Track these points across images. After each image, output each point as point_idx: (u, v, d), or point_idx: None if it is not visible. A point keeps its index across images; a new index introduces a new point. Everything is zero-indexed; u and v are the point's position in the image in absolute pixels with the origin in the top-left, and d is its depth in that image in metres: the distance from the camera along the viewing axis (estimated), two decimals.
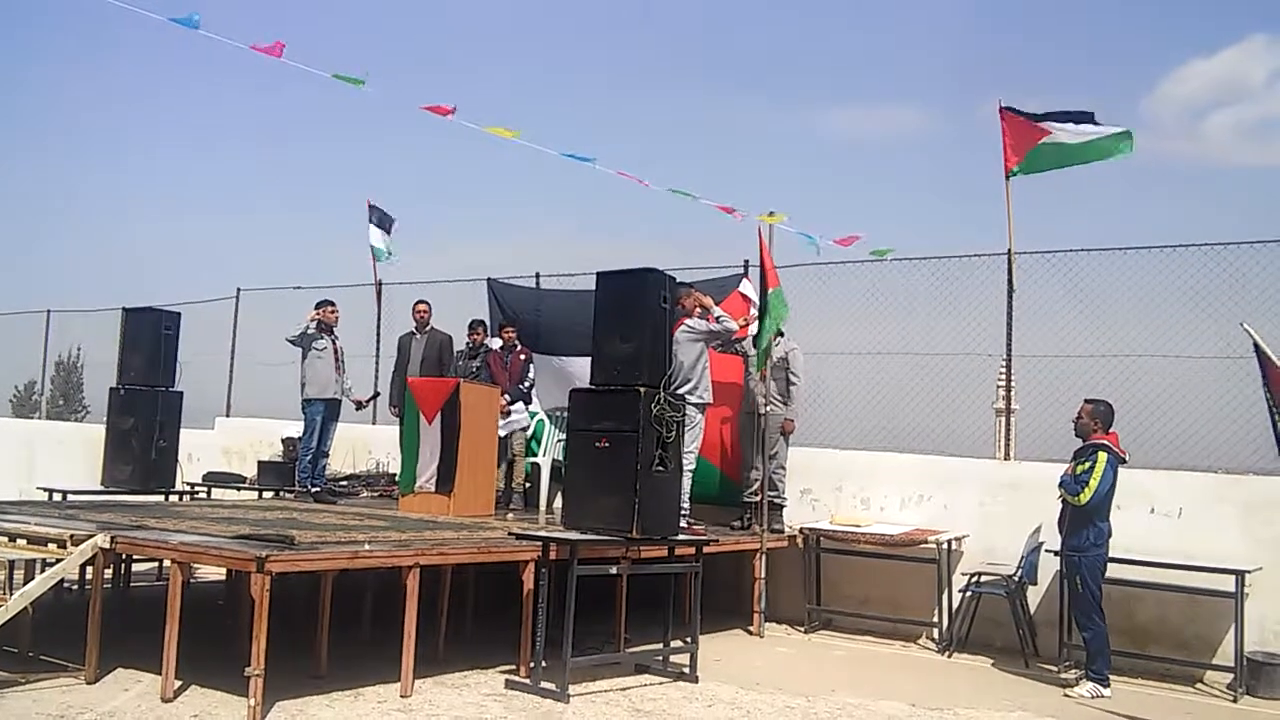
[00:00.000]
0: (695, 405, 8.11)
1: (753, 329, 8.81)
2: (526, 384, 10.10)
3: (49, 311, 18.33)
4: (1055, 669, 7.71)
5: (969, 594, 8.35)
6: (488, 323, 10.55)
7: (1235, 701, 7.18)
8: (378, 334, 13.39)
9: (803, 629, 9.02)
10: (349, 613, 7.29)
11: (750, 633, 8.68)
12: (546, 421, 10.52)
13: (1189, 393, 8.64)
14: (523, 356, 10.17)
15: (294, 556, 5.58)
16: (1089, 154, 9.09)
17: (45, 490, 9.60)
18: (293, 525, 6.95)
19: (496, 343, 10.24)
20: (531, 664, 6.37)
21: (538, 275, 11.93)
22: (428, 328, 10.54)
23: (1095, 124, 8.99)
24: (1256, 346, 5.88)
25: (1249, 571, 7.35)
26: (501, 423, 9.63)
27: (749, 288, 9.62)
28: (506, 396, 9.76)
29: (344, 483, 11.13)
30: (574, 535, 6.40)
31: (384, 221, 13.54)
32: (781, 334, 9.07)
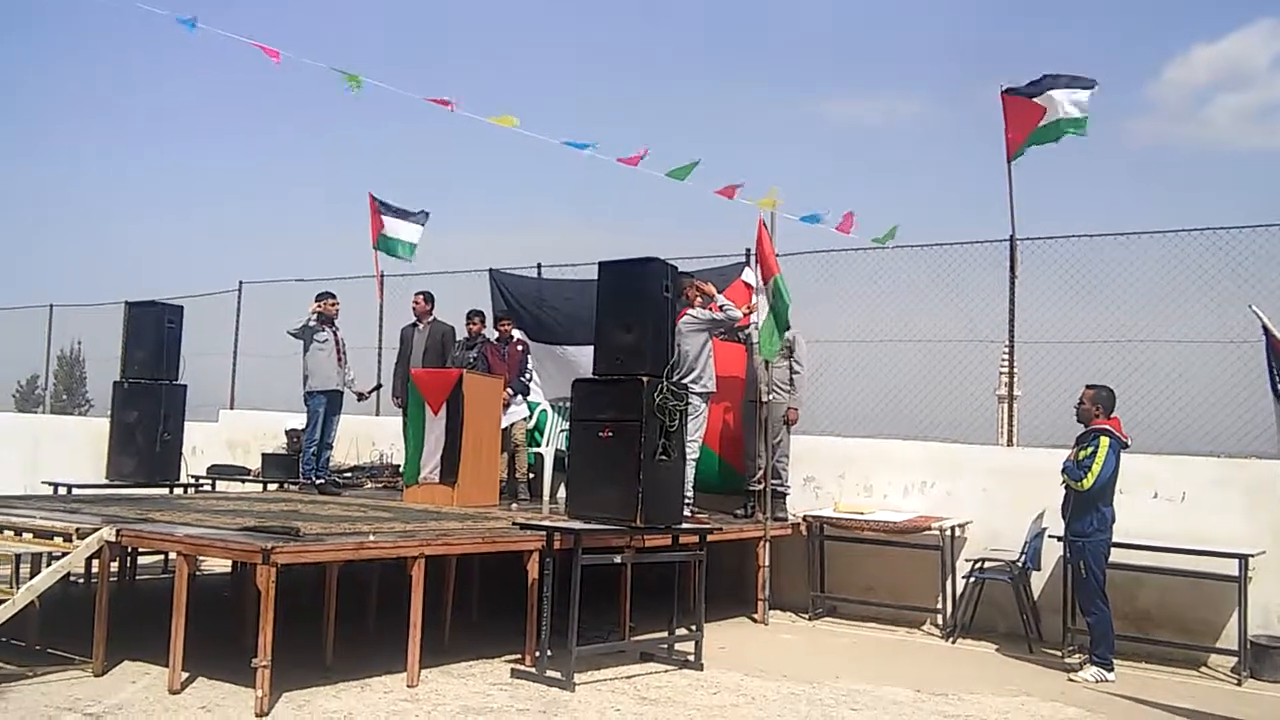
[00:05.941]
0: (699, 395, 8.12)
1: (755, 317, 8.80)
2: (525, 375, 10.09)
3: (51, 306, 18.38)
4: (1059, 654, 7.72)
5: (972, 580, 8.36)
6: (486, 313, 10.52)
7: (1239, 685, 7.19)
8: (380, 326, 13.38)
9: (807, 616, 9.03)
10: (355, 604, 7.32)
11: (755, 620, 8.70)
12: (549, 411, 10.52)
13: (1192, 377, 8.64)
14: (520, 347, 10.14)
15: (299, 548, 5.60)
16: (1050, 133, 9.16)
17: (50, 484, 9.65)
18: (298, 517, 6.97)
19: (494, 334, 10.22)
20: (537, 653, 6.38)
21: (539, 265, 11.93)
22: (430, 318, 10.51)
23: (1090, 87, 8.99)
24: (1265, 329, 5.84)
25: (1252, 555, 7.35)
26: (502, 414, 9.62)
27: (751, 275, 9.60)
28: (509, 390, 9.75)
29: (348, 474, 11.15)
30: (578, 525, 6.41)
31: (409, 215, 13.08)
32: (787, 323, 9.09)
